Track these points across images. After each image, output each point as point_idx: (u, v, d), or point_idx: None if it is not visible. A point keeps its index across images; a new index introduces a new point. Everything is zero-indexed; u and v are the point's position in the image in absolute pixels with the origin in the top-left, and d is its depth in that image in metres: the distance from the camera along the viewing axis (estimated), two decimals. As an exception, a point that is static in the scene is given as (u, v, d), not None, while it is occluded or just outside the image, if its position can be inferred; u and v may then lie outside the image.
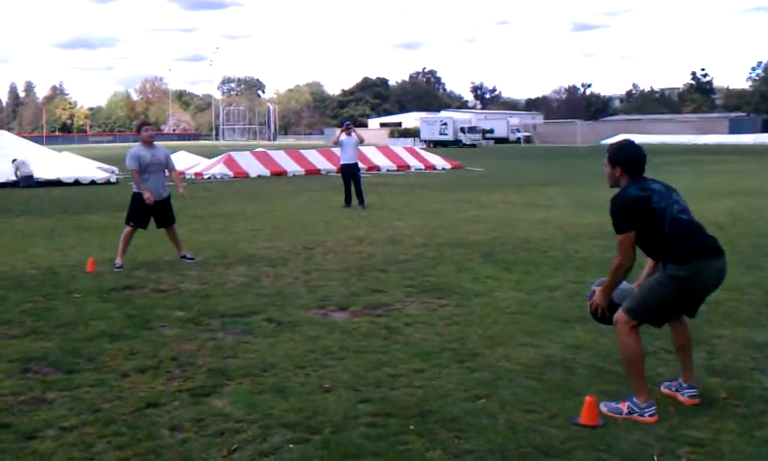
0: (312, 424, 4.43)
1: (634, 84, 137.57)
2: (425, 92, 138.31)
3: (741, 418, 4.48)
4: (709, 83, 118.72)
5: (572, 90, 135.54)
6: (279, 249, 10.97)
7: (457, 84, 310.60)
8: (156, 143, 9.96)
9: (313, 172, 30.43)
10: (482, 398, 4.83)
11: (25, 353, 5.86)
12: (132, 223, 9.70)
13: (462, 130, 78.26)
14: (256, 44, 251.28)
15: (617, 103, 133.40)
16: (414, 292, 7.98)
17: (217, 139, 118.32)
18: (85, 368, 5.52)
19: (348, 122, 18.69)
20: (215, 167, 29.36)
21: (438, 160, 35.44)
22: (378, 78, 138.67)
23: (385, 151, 35.74)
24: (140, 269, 9.36)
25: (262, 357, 5.73)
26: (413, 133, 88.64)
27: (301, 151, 34.08)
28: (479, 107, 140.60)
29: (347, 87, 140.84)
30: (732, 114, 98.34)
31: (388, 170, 32.32)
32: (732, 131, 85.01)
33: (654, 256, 4.69)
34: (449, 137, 77.12)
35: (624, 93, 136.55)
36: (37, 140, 50.92)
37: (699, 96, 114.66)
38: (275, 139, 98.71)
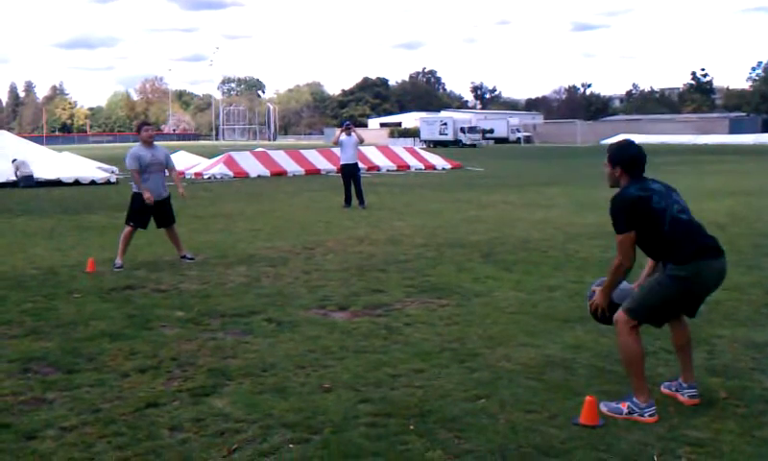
0: (312, 423, 4.43)
1: (634, 84, 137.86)
2: (425, 92, 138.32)
3: (741, 418, 4.48)
4: (709, 83, 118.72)
5: (572, 90, 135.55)
6: (279, 249, 10.97)
7: (457, 84, 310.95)
8: (155, 143, 9.96)
9: (313, 172, 30.42)
10: (482, 398, 4.83)
11: (25, 353, 5.86)
12: (132, 223, 9.70)
13: (462, 130, 78.24)
14: (256, 44, 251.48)
15: (617, 103, 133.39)
16: (414, 292, 7.98)
17: (217, 139, 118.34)
18: (86, 368, 5.52)
19: (348, 122, 18.69)
20: (215, 167, 29.37)
21: (438, 160, 35.44)
22: (378, 78, 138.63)
23: (385, 151, 35.73)
24: (140, 269, 9.36)
25: (262, 357, 5.73)
26: (413, 133, 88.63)
27: (301, 151, 34.08)
28: (479, 107, 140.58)
29: (347, 87, 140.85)
30: (732, 114, 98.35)
31: (388, 170, 32.31)
32: (732, 131, 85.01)
33: (654, 256, 4.69)
34: (449, 137, 77.11)
35: (624, 93, 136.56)
36: (37, 140, 50.90)
37: (699, 96, 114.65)
38: (275, 139, 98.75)
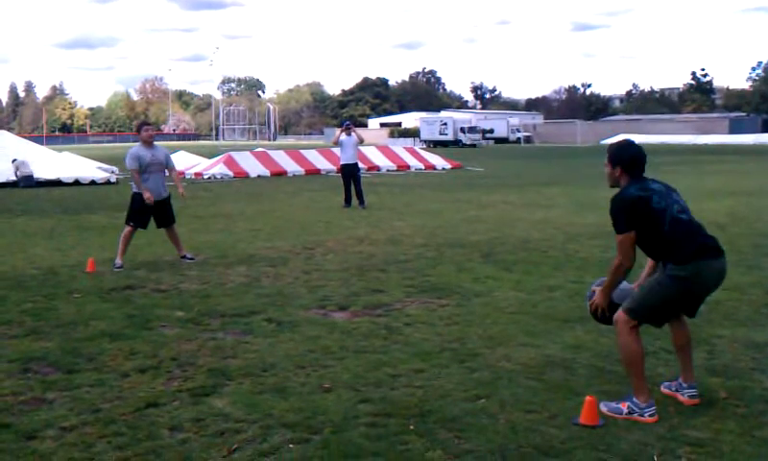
0: (312, 423, 4.43)
1: (634, 84, 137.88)
2: (425, 92, 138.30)
3: (741, 418, 4.48)
4: (709, 83, 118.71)
5: (572, 90, 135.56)
6: (279, 249, 10.97)
7: (457, 84, 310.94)
8: (156, 143, 9.96)
9: (313, 172, 30.42)
10: (482, 398, 4.83)
11: (25, 353, 5.86)
12: (132, 223, 9.70)
13: (462, 130, 78.25)
14: (256, 44, 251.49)
15: (617, 103, 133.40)
16: (414, 292, 7.98)
17: (217, 139, 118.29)
18: (85, 368, 5.52)
19: (348, 122, 18.69)
20: (215, 167, 29.37)
21: (438, 160, 35.44)
22: (378, 78, 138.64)
23: (385, 151, 35.72)
24: (140, 269, 9.36)
25: (262, 357, 5.73)
26: (413, 133, 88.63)
27: (301, 151, 34.08)
28: (479, 107, 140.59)
29: (347, 87, 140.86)
30: (732, 114, 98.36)
31: (388, 170, 32.31)
32: (732, 131, 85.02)
33: (654, 256, 4.69)
34: (449, 137, 77.12)
35: (624, 93, 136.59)
36: (37, 140, 50.93)
37: (699, 96, 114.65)
38: (275, 139, 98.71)
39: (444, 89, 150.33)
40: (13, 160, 24.21)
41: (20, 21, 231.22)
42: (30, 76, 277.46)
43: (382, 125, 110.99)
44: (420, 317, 6.93)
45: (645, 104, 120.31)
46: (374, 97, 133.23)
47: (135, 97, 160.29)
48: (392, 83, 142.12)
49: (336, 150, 23.33)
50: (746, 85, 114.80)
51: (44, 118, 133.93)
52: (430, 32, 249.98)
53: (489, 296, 7.76)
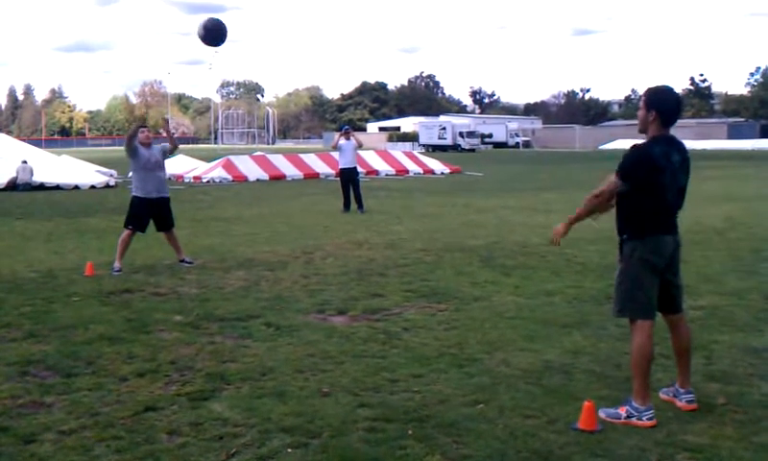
0: (311, 428, 4.43)
1: (633, 90, 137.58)
2: (424, 97, 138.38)
3: (739, 423, 4.48)
4: (708, 88, 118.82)
5: (571, 95, 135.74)
6: (278, 253, 10.97)
7: (456, 88, 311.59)
8: (153, 145, 9.98)
9: (312, 176, 30.45)
10: (481, 403, 4.83)
11: (24, 357, 5.86)
12: (131, 226, 9.70)
13: (461, 134, 78.29)
14: (256, 48, 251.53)
15: (616, 108, 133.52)
16: (413, 297, 7.98)
17: (216, 143, 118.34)
18: (84, 371, 5.52)
19: (346, 126, 18.72)
20: (214, 171, 29.38)
21: (437, 165, 35.47)
22: (377, 82, 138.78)
23: (384, 155, 35.78)
24: (139, 272, 9.36)
25: (261, 361, 5.73)
26: (412, 138, 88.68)
27: (300, 155, 34.11)
28: (478, 111, 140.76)
29: (346, 91, 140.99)
30: (731, 120, 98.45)
31: (387, 174, 32.35)
32: (731, 136, 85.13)
33: (619, 218, 4.68)
34: (448, 142, 77.15)
35: (623, 98, 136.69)
36: (36, 143, 50.91)
37: (697, 101, 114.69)
38: (273, 143, 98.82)
39: (443, 94, 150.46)
40: (24, 162, 24.34)
41: (19, 24, 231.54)
42: (29, 79, 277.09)
43: (381, 129, 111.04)
44: (419, 322, 6.93)
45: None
46: (373, 101, 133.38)
47: (134, 100, 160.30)
48: (391, 87, 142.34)
49: (335, 154, 23.35)
50: (744, 91, 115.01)
51: (43, 121, 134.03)
52: (429, 36, 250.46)
53: (487, 300, 7.77)
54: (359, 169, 18.67)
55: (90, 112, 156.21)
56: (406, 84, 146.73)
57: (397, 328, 6.68)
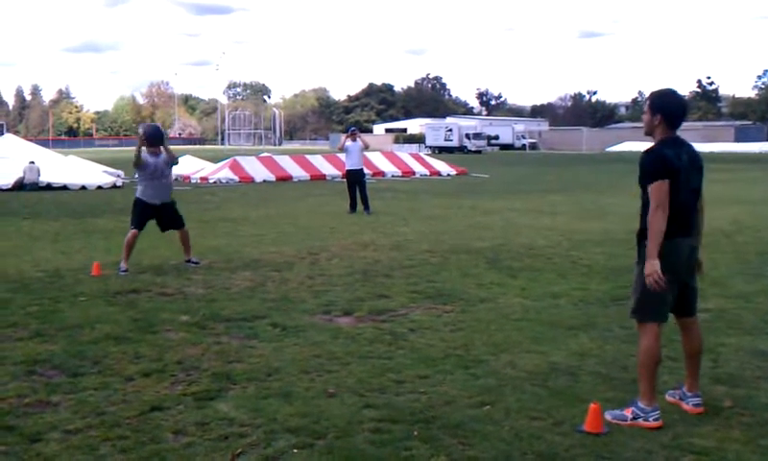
0: (316, 428, 4.43)
1: (639, 92, 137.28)
2: (431, 98, 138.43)
3: (746, 426, 4.46)
4: (715, 91, 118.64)
5: (578, 97, 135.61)
6: (285, 254, 10.98)
7: (462, 90, 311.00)
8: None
9: (318, 177, 30.47)
10: (487, 404, 4.82)
11: (30, 356, 5.87)
12: (135, 227, 9.75)
13: (467, 136, 78.30)
14: (262, 49, 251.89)
15: (623, 110, 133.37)
16: (419, 298, 7.98)
17: (223, 144, 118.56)
18: (90, 371, 5.53)
19: (353, 128, 18.73)
20: (221, 172, 29.42)
21: (443, 166, 35.46)
22: (384, 84, 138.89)
23: (390, 157, 35.77)
24: (145, 273, 9.38)
25: (267, 362, 5.73)
26: (418, 139, 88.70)
27: (307, 156, 34.15)
28: (484, 113, 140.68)
29: (352, 93, 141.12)
30: (738, 122, 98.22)
31: (393, 176, 32.34)
32: (738, 139, 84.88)
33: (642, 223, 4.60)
34: (454, 143, 77.19)
35: (630, 101, 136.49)
36: (43, 144, 51.17)
37: (705, 104, 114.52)
38: (280, 144, 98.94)
39: (450, 95, 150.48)
40: (32, 162, 24.45)
41: (27, 25, 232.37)
42: (36, 79, 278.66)
43: (387, 131, 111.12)
44: (425, 323, 6.92)
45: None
46: (380, 103, 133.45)
47: (142, 101, 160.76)
48: (397, 88, 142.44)
49: (341, 155, 23.37)
50: (752, 94, 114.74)
51: (50, 121, 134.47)
52: (436, 38, 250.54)
53: (493, 302, 7.76)
54: (365, 170, 18.67)
55: (98, 113, 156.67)
56: (413, 85, 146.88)
57: (403, 330, 6.68)
